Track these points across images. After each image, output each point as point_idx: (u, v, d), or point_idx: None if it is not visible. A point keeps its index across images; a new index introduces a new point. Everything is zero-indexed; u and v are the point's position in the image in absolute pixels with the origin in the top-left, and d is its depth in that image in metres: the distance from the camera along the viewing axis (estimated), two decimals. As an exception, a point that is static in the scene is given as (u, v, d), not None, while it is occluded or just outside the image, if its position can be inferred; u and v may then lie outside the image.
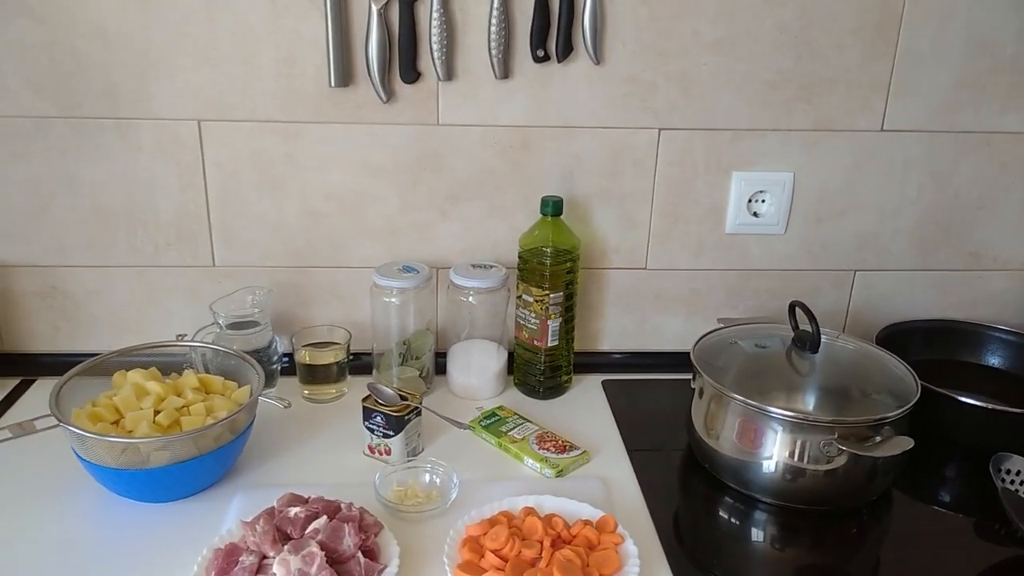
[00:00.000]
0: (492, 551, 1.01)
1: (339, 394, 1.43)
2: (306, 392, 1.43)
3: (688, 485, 1.26)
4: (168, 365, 1.28)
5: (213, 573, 0.96)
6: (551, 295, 1.36)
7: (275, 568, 0.94)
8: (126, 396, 1.16)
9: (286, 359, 1.46)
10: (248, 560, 0.96)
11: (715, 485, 1.23)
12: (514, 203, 1.43)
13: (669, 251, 1.48)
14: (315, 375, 1.41)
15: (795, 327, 1.26)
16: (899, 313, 1.51)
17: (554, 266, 1.34)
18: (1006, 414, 1.23)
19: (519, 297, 1.40)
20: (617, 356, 1.55)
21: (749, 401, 1.14)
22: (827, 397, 1.20)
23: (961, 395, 1.24)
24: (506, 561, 1.00)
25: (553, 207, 1.34)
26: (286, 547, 0.96)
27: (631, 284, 1.50)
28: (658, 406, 1.44)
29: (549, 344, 1.39)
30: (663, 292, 1.51)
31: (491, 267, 1.40)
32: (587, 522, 1.07)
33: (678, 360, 1.51)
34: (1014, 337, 1.46)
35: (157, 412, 1.15)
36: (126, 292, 1.45)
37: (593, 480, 1.21)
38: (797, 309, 1.25)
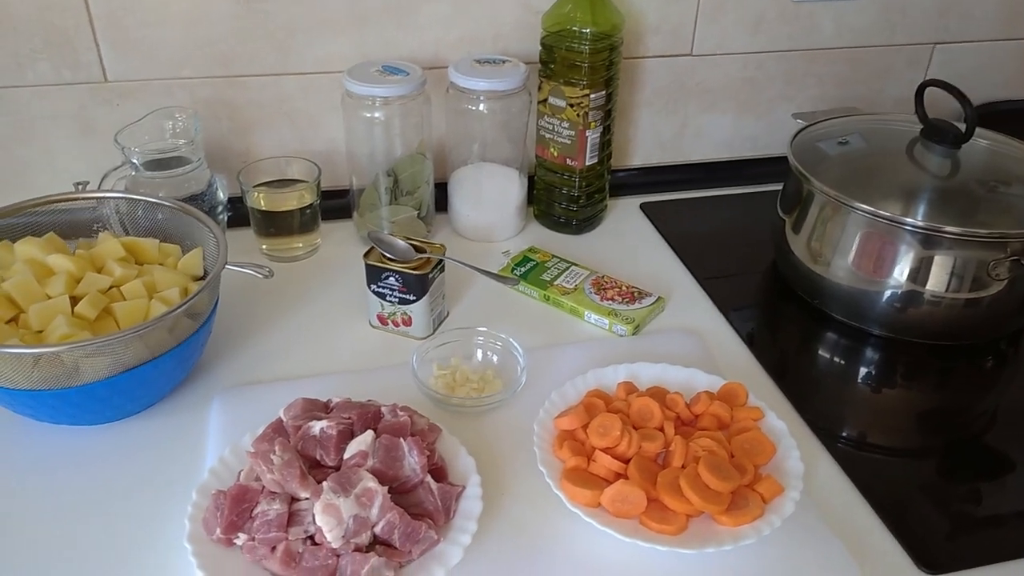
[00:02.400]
0: (604, 450, 0.73)
1: (310, 248, 1.08)
2: (264, 248, 1.07)
3: (791, 327, 1.01)
4: (69, 229, 0.88)
5: (219, 530, 0.65)
6: (591, 95, 1.02)
7: (318, 518, 0.63)
8: (22, 280, 0.77)
9: (229, 206, 1.07)
10: (274, 509, 0.65)
11: (822, 320, 0.98)
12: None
13: (721, 29, 1.15)
14: (276, 225, 1.04)
15: (923, 116, 0.98)
16: (981, 95, 1.26)
17: (593, 54, 1.00)
18: None
19: (544, 102, 1.05)
20: (652, 172, 1.24)
21: (893, 216, 0.88)
22: (966, 206, 0.94)
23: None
24: (626, 462, 0.73)
25: (589, -29, 0.98)
26: (326, 484, 0.65)
27: (672, 77, 1.18)
28: (718, 229, 1.16)
29: (588, 162, 1.07)
30: (710, 84, 1.19)
31: (504, 61, 1.04)
32: (710, 395, 0.80)
33: (727, 172, 1.25)
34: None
35: (75, 300, 0.78)
36: (-19, 127, 1.01)
37: (680, 334, 0.94)
38: (927, 92, 0.96)
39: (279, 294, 0.99)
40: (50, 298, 0.77)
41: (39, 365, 0.71)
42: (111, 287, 0.81)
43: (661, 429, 0.76)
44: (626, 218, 1.18)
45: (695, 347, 0.92)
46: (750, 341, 0.94)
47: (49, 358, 0.71)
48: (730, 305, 1.00)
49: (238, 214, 1.06)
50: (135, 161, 0.96)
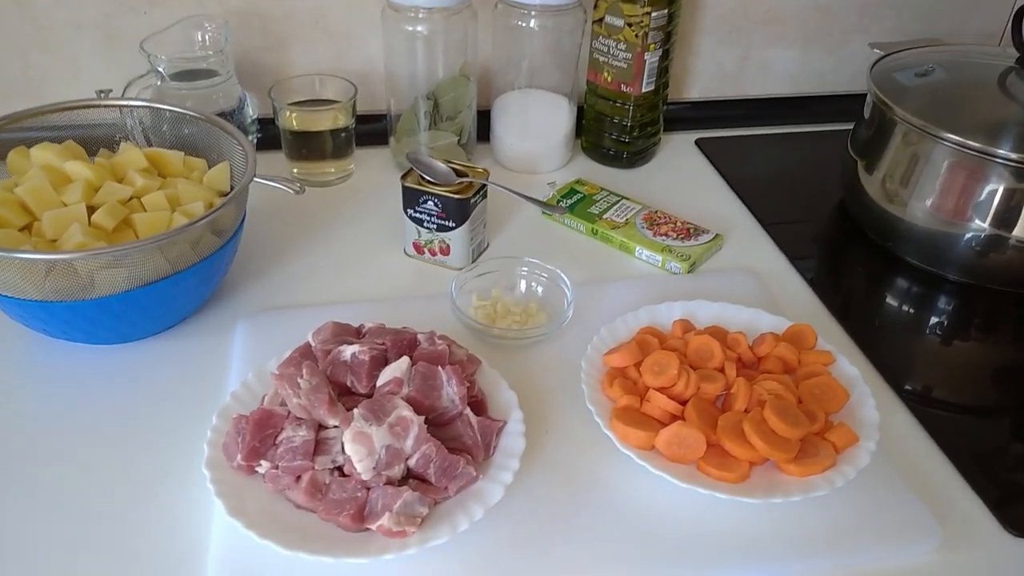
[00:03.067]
0: (659, 390, 0.67)
1: (343, 173, 1.01)
2: (296, 171, 1.00)
3: (860, 270, 0.93)
4: (90, 141, 0.82)
5: (241, 456, 0.60)
6: (652, 13, 0.94)
7: (348, 447, 0.58)
8: (37, 186, 0.72)
9: (257, 128, 1.01)
10: (300, 435, 0.60)
11: (895, 264, 0.91)
12: None
13: (792, -49, 1.06)
14: (309, 148, 0.98)
15: (1020, 44, 0.89)
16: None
17: (656, -30, 0.92)
18: None
19: (600, 21, 0.97)
20: (709, 107, 1.16)
21: (984, 147, 0.80)
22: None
23: None
24: (683, 404, 0.67)
25: None
26: (357, 411, 0.59)
27: (737, 2, 1.09)
28: (780, 168, 1.08)
29: (644, 89, 0.99)
30: (778, 12, 1.10)
31: (558, -24, 0.96)
32: (776, 336, 0.73)
33: (791, 110, 1.16)
34: None
35: (92, 209, 0.72)
36: None
37: (739, 274, 0.87)
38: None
39: (310, 218, 0.93)
40: (66, 206, 0.72)
41: (52, 275, 0.66)
42: (131, 198, 0.75)
43: (721, 370, 0.69)
44: (680, 154, 1.10)
45: (755, 288, 0.84)
46: (815, 284, 0.87)
47: (62, 267, 0.66)
48: (793, 246, 0.92)
49: (268, 136, 1.01)
50: (161, 70, 0.90)
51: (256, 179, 0.74)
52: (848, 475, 0.62)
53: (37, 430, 0.67)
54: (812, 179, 1.05)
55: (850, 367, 0.71)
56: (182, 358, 0.74)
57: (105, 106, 0.84)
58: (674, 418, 0.66)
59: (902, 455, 0.68)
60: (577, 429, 0.68)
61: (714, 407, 0.67)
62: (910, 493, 0.64)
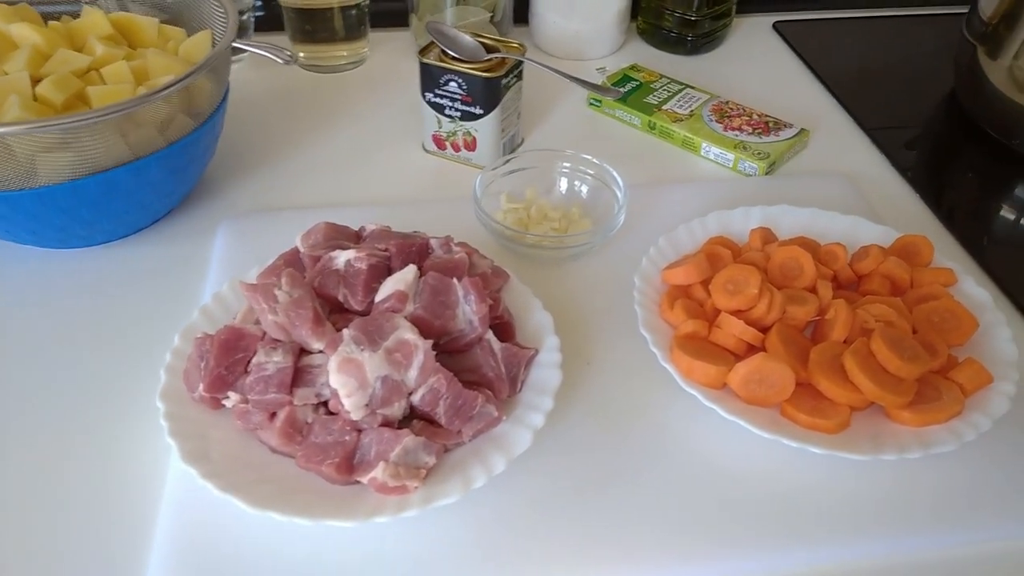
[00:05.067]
0: (733, 313, 0.53)
1: (356, 58, 0.87)
2: (303, 56, 0.86)
3: (979, 175, 0.76)
4: (53, 8, 0.69)
5: (203, 386, 0.47)
6: None
7: (332, 378, 0.45)
8: (-30, 50, 0.59)
9: (259, 4, 0.87)
10: (274, 362, 0.47)
11: (1019, 167, 0.75)
12: None
13: None
14: (315, 27, 0.84)
15: None
16: None
17: None
18: None
19: None
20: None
21: None
22: None
23: None
24: (764, 331, 0.52)
25: None
26: (346, 331, 0.46)
27: None
28: (875, 56, 0.91)
29: (715, -46, 0.82)
30: None
31: None
32: (882, 250, 0.58)
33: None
34: None
35: (37, 81, 0.59)
36: None
37: (829, 177, 0.71)
38: None
39: (316, 108, 0.80)
40: (6, 75, 0.59)
41: (-17, 157, 0.53)
42: (90, 69, 0.62)
43: (813, 290, 0.55)
44: (755, 38, 0.93)
45: (849, 193, 0.69)
46: (922, 190, 0.71)
47: (-4, 148, 0.53)
48: (894, 146, 0.76)
49: (271, 15, 0.86)
50: (136, -75, 0.75)
51: (236, 44, 0.60)
52: (981, 426, 0.48)
53: (-27, 347, 0.56)
54: (916, 69, 0.88)
55: (977, 289, 0.56)
56: (152, 266, 0.62)
57: (65, -35, 0.70)
58: (753, 349, 0.52)
59: (1043, 402, 0.54)
60: (628, 361, 0.54)
61: (804, 337, 0.53)
62: (1060, 452, 0.49)
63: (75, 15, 0.69)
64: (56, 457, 0.49)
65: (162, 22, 0.68)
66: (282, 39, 0.86)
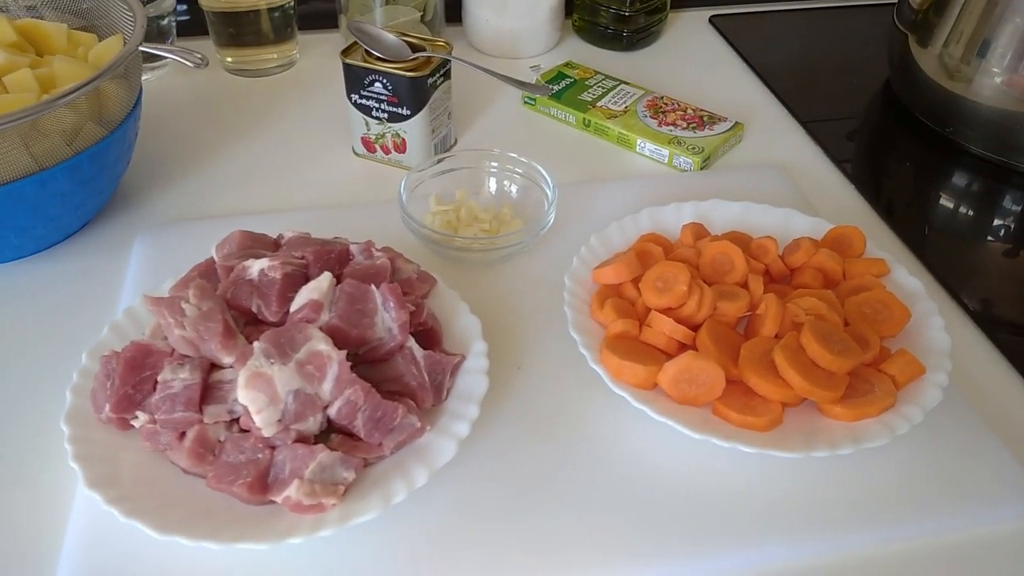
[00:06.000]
0: (663, 311, 0.51)
1: (285, 61, 0.85)
2: (230, 60, 0.84)
3: (912, 163, 0.76)
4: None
5: (109, 406, 0.45)
6: None
7: (241, 394, 0.43)
8: None
9: (183, 8, 0.84)
10: (180, 379, 0.44)
11: (956, 155, 0.75)
12: None
13: None
14: (240, 31, 0.81)
15: None
16: None
17: None
18: None
19: None
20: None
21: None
22: None
23: None
24: (695, 328, 0.51)
25: None
26: (257, 343, 0.44)
27: None
28: (809, 47, 0.91)
29: (646, -51, 0.81)
30: None
31: None
32: (814, 242, 0.57)
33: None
34: None
35: (-69, 91, 0.56)
36: None
37: (764, 170, 0.70)
38: None
39: (244, 113, 0.77)
40: None
41: None
42: (-10, 79, 0.59)
43: (744, 285, 0.54)
44: (692, 33, 0.92)
45: (784, 187, 0.68)
46: (856, 180, 0.71)
47: None
48: (828, 136, 0.76)
49: (196, 19, 0.84)
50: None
51: (145, 48, 0.58)
52: (913, 418, 0.47)
53: None
54: (849, 60, 0.88)
55: (909, 278, 0.56)
56: (64, 282, 0.59)
57: (-34, -30, 0.67)
58: (684, 348, 0.51)
59: (980, 391, 0.53)
60: (559, 364, 0.53)
61: (736, 333, 0.52)
62: (994, 439, 0.49)
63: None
64: (-45, 488, 0.47)
65: (76, 28, 0.66)
66: (206, 44, 0.83)
